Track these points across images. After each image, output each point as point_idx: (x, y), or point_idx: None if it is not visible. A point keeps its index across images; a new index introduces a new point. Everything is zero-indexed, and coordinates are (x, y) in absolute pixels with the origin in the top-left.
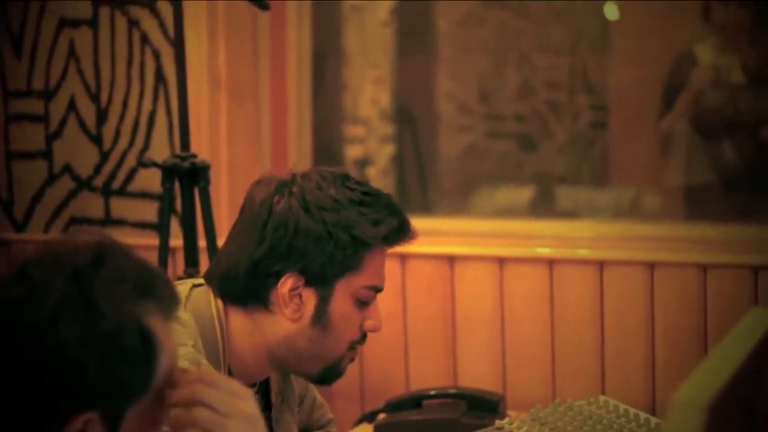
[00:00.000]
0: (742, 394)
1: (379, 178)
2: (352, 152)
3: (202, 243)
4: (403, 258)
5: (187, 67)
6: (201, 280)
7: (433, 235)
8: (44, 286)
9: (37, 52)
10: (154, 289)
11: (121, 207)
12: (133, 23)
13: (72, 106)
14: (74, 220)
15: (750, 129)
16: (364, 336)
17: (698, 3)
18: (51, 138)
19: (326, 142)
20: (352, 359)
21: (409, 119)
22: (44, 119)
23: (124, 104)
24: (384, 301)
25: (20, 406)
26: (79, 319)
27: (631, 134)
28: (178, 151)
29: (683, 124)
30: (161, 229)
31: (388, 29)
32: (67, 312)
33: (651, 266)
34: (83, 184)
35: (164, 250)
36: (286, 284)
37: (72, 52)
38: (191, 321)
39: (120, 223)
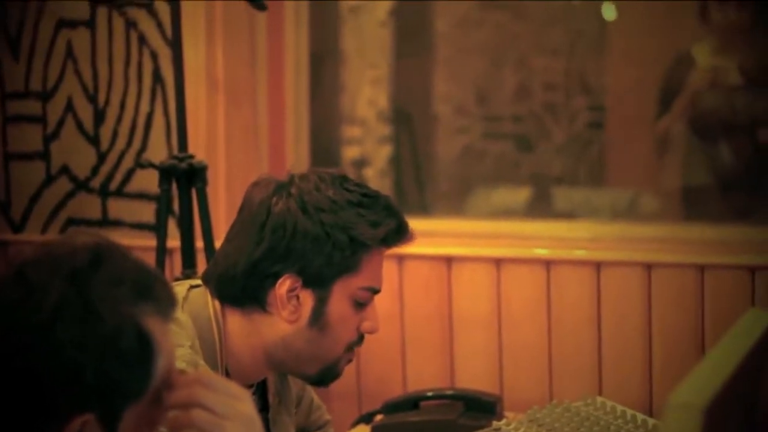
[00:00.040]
0: (740, 395)
1: (377, 179)
2: (350, 153)
3: (199, 244)
4: (401, 259)
5: (185, 68)
6: (198, 281)
7: (431, 236)
8: (42, 287)
9: (34, 53)
10: (152, 291)
11: (118, 208)
12: (130, 24)
13: (69, 107)
14: (72, 221)
15: (747, 130)
16: (361, 337)
17: (695, 4)
18: (48, 139)
19: (324, 143)
20: (350, 360)
21: (407, 120)
22: (42, 120)
23: (122, 105)
24: (381, 302)
25: (18, 407)
26: (76, 320)
27: (628, 135)
28: (175, 152)
29: (680, 125)
30: (158, 230)
31: (385, 30)
32: (65, 313)
33: (648, 267)
34: (81, 185)
35: (161, 251)
36: (284, 285)
37: (69, 53)
38: (189, 322)
39: (117, 224)
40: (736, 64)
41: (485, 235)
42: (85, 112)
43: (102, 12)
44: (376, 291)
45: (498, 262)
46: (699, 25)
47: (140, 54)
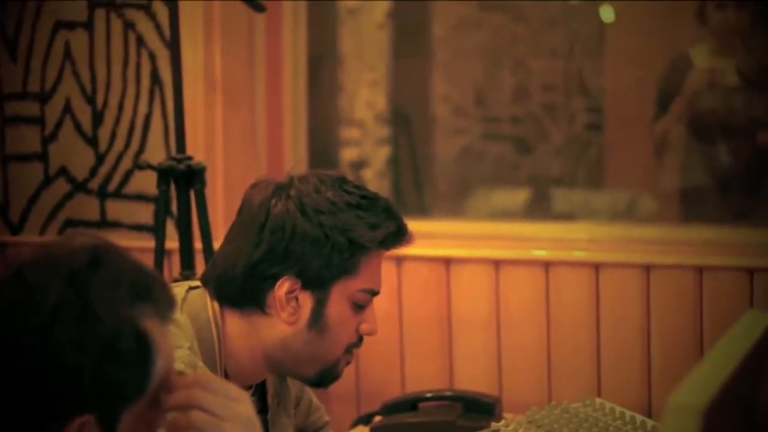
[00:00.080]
0: (739, 397)
1: (375, 180)
2: (348, 155)
3: (197, 245)
4: (399, 260)
5: (183, 69)
6: (197, 283)
7: (429, 237)
8: (41, 288)
9: (32, 54)
10: (151, 292)
11: (116, 209)
12: (128, 25)
13: (68, 108)
14: (70, 223)
15: (745, 131)
16: (360, 339)
17: (694, 5)
18: (47, 140)
19: (322, 145)
20: (349, 362)
21: (405, 122)
22: (40, 121)
23: (120, 107)
24: (380, 304)
25: (16, 408)
26: (75, 322)
27: (626, 137)
28: (173, 153)
29: (679, 127)
30: (157, 231)
31: (383, 32)
32: (64, 314)
33: (647, 268)
34: (79, 187)
35: (160, 252)
36: (283, 287)
37: (68, 55)
38: (187, 323)
39: (116, 225)
40: (734, 66)
41: (484, 237)
42: (84, 114)
43: (100, 13)
44: (375, 293)
45: (497, 264)
46: (697, 26)
47: (138, 55)
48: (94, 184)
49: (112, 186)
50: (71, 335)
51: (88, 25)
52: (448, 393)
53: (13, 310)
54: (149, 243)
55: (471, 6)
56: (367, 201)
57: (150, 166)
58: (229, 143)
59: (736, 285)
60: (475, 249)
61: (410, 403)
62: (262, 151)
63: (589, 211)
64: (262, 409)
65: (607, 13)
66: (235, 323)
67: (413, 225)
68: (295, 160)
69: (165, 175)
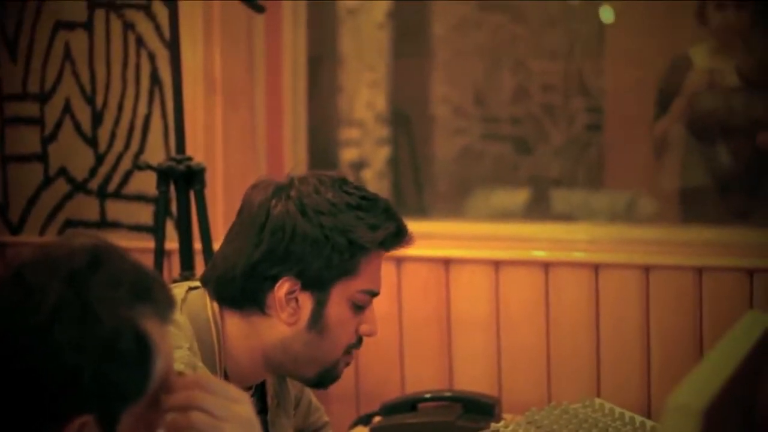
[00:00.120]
0: (739, 398)
1: (375, 181)
2: (348, 155)
3: (197, 246)
4: (399, 261)
5: (183, 69)
6: (197, 283)
7: (429, 238)
8: (40, 288)
9: (32, 54)
10: (150, 293)
11: (116, 210)
12: (128, 26)
13: (67, 108)
14: (69, 223)
15: (745, 132)
16: (360, 340)
17: (694, 5)
18: (46, 141)
19: (322, 145)
20: (348, 363)
21: (405, 122)
22: (40, 122)
23: (120, 107)
24: (380, 304)
25: (16, 409)
26: (75, 322)
27: (626, 137)
28: (173, 153)
29: (679, 127)
30: (157, 231)
31: (383, 32)
32: (63, 315)
33: (646, 269)
34: (78, 187)
35: (159, 253)
36: (283, 288)
37: (67, 55)
38: (187, 324)
39: (115, 225)
40: (734, 66)
41: (484, 237)
42: (83, 114)
43: (100, 14)
44: (374, 294)
45: (496, 264)
46: (697, 26)
47: (138, 56)
48: (94, 184)
49: (111, 186)
50: (71, 336)
51: (88, 26)
52: (448, 393)
53: (13, 310)
54: (149, 243)
55: (471, 6)
56: (367, 202)
57: (150, 167)
58: (229, 144)
59: (735, 286)
60: (475, 249)
61: (410, 404)
62: (261, 151)
63: (589, 212)
64: (262, 409)
65: (606, 15)
66: (234, 324)
67: (413, 225)
68: (294, 161)
69: (165, 175)
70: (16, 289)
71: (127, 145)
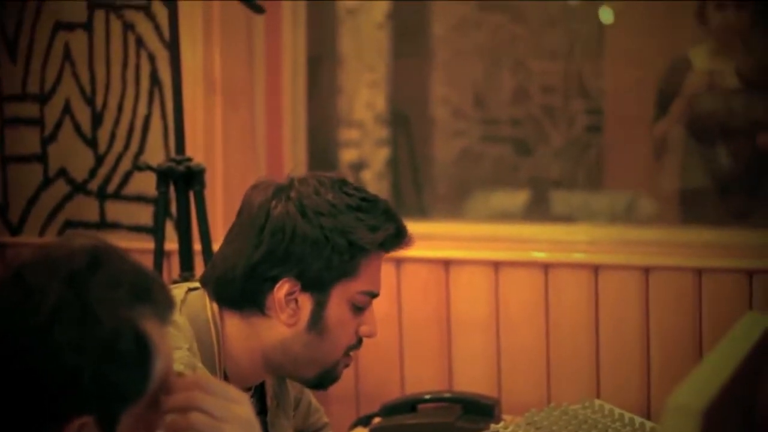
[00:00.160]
0: (738, 398)
1: (374, 181)
2: (347, 156)
3: (197, 247)
4: (399, 262)
5: (182, 70)
6: (197, 284)
7: (428, 239)
8: (40, 289)
9: (32, 55)
10: (150, 293)
11: (116, 210)
12: (128, 26)
13: (67, 109)
14: (69, 224)
15: (745, 133)
16: (359, 341)
17: (693, 6)
18: (46, 141)
19: (321, 146)
20: (348, 364)
21: (404, 123)
22: (39, 123)
23: (120, 108)
24: (379, 306)
25: (15, 409)
26: (74, 323)
27: (626, 138)
28: (173, 154)
29: (678, 128)
30: (156, 232)
31: (383, 32)
32: (63, 316)
33: (646, 270)
34: (78, 188)
35: (159, 253)
36: (283, 289)
37: (67, 56)
38: (187, 324)
39: (115, 226)
40: (733, 67)
41: (483, 238)
42: (83, 115)
43: (99, 14)
44: (374, 295)
45: (496, 265)
46: (697, 26)
47: (138, 56)
48: (94, 185)
49: (111, 187)
50: (71, 336)
51: (88, 26)
52: (448, 394)
53: (13, 311)
54: (148, 244)
55: (470, 6)
56: (367, 203)
57: (149, 168)
58: (229, 144)
59: (735, 287)
60: (475, 251)
61: (409, 405)
62: (261, 152)
63: (589, 213)
64: (262, 410)
65: (606, 16)
66: (234, 325)
67: (412, 226)
68: (294, 161)
69: (164, 176)
70: (15, 289)
71: (126, 146)
